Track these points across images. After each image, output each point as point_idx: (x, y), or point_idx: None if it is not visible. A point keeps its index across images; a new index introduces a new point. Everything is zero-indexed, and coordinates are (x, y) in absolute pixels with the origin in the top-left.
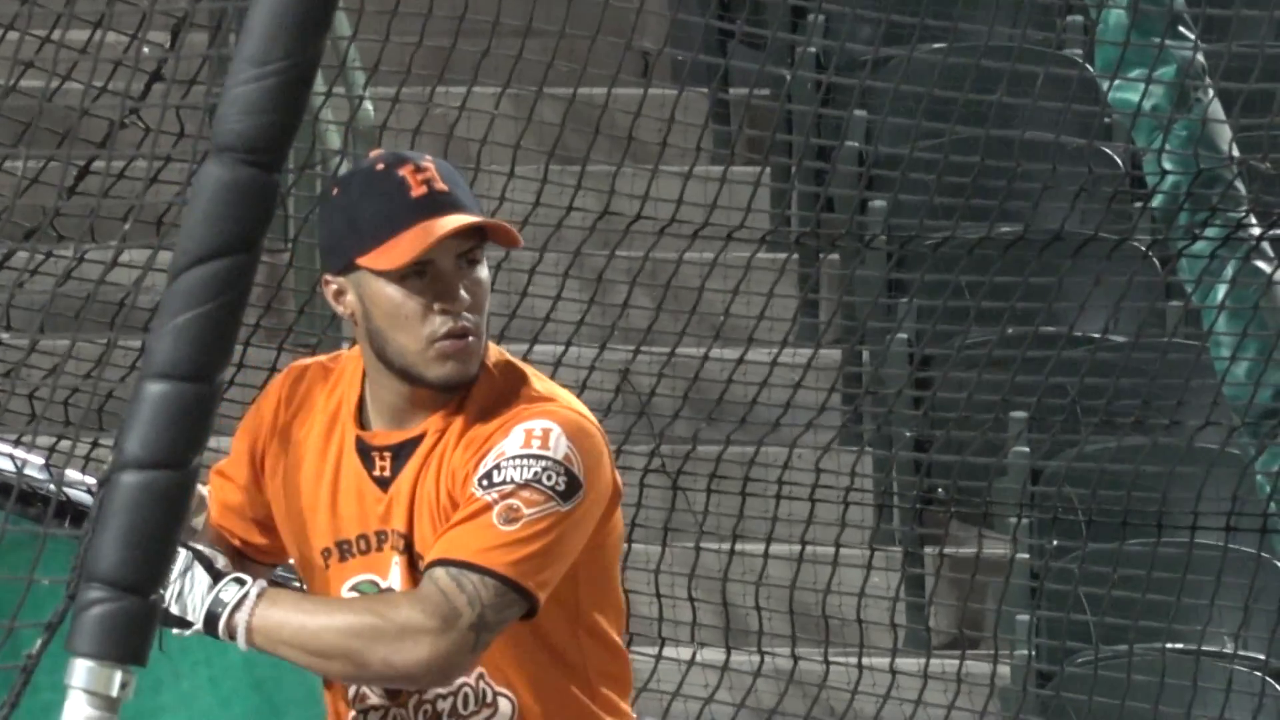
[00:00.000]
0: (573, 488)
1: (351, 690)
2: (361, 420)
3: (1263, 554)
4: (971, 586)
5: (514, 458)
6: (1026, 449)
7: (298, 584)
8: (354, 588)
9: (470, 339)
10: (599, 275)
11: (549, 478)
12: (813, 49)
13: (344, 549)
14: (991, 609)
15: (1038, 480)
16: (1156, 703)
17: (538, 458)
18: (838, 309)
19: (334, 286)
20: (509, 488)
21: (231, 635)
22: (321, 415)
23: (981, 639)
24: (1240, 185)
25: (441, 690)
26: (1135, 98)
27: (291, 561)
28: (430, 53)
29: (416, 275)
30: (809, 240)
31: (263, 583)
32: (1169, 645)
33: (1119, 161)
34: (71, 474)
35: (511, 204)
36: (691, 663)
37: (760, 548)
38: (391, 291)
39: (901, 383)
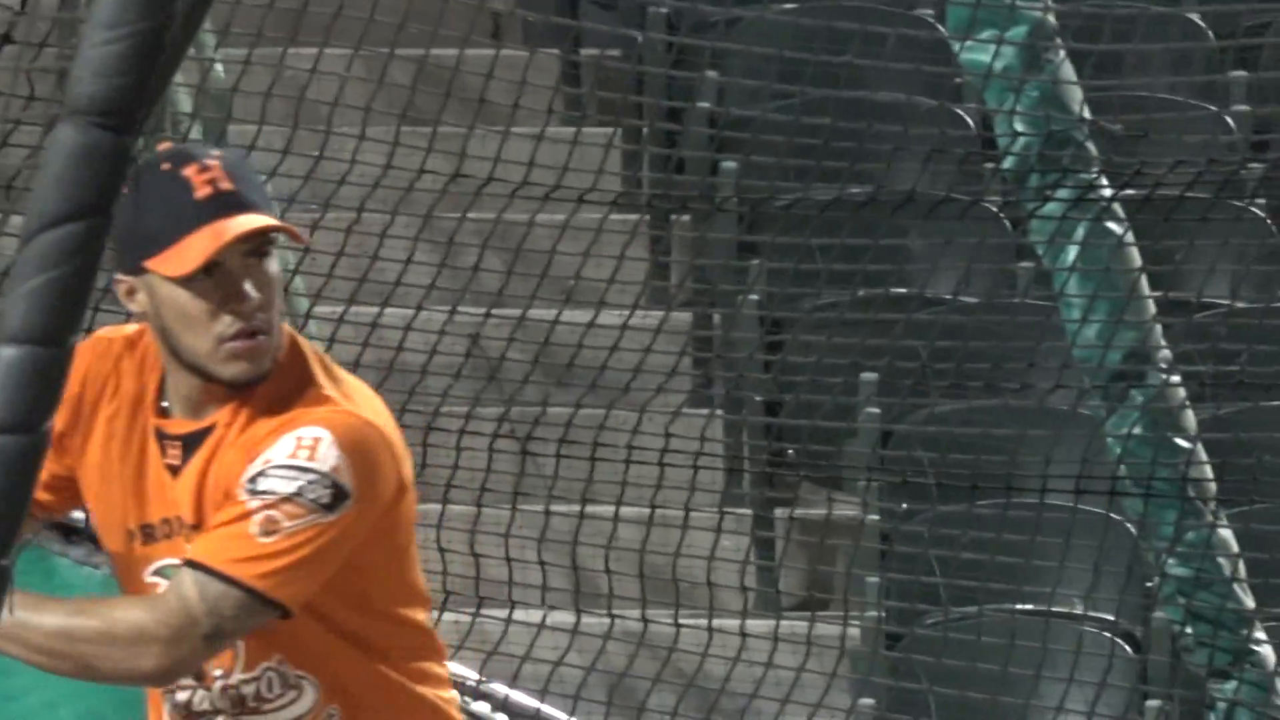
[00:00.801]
0: (339, 499)
1: None
2: (162, 406)
3: (1112, 515)
4: (821, 549)
5: (280, 467)
6: (877, 411)
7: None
8: (158, 570)
9: (260, 337)
10: (450, 238)
11: (313, 490)
12: (664, 10)
13: (148, 532)
14: (841, 571)
15: (888, 443)
16: (1006, 664)
17: (303, 470)
18: (689, 271)
19: (124, 285)
20: (271, 498)
21: None
22: (128, 396)
23: (831, 601)
24: (1091, 146)
25: (245, 675)
26: (986, 58)
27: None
28: (281, 15)
29: (205, 276)
30: (660, 202)
31: None
32: (1018, 607)
33: (970, 123)
34: None
35: (362, 166)
36: (541, 625)
37: (610, 510)
38: (179, 294)
39: (752, 345)
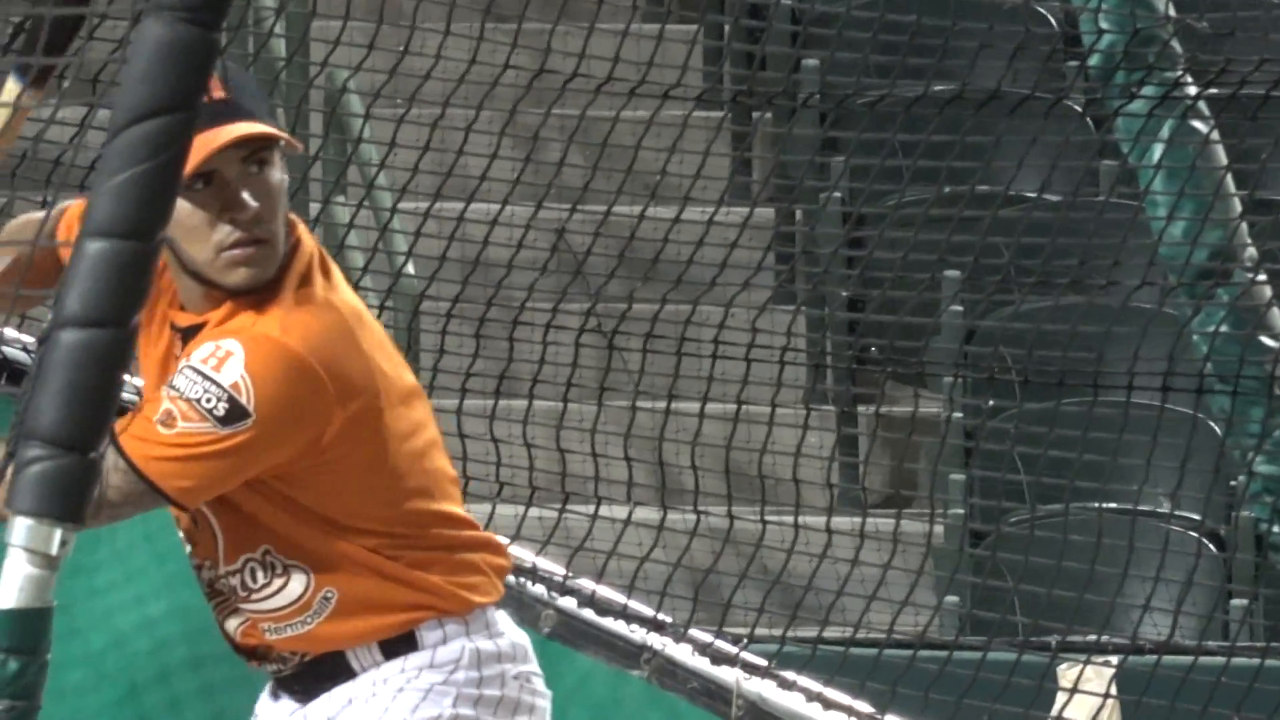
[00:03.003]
0: (234, 415)
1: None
2: (182, 300)
3: (1198, 415)
4: (906, 446)
5: (191, 369)
6: (961, 308)
7: None
8: None
9: (260, 246)
10: (534, 134)
11: (208, 400)
12: None
13: None
14: (926, 469)
15: (972, 340)
16: (1093, 563)
17: (205, 378)
18: (773, 168)
19: None
20: (175, 394)
21: None
22: (163, 287)
23: (916, 498)
24: (1176, 44)
25: (228, 567)
26: None
27: None
28: None
29: (203, 185)
30: (743, 99)
31: None
32: (1105, 505)
33: (1053, 21)
34: (8, 332)
35: (446, 62)
36: (627, 522)
37: (695, 407)
38: (178, 204)
39: (836, 242)
